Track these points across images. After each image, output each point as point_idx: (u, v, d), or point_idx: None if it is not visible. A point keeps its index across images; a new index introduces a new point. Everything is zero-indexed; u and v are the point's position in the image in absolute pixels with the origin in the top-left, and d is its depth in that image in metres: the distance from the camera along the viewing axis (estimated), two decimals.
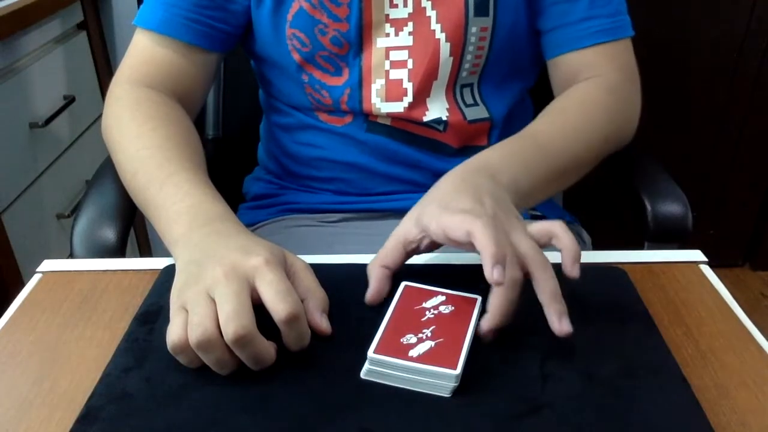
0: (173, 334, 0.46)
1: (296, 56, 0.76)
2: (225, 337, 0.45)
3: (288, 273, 0.50)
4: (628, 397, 0.46)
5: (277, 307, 0.46)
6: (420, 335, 0.48)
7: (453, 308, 0.50)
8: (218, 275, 0.47)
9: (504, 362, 0.48)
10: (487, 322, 0.49)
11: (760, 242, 1.93)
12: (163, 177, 0.61)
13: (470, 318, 0.49)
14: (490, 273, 0.47)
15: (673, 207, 0.73)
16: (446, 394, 0.45)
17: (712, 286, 0.58)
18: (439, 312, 0.50)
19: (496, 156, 0.62)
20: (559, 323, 0.48)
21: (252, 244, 0.51)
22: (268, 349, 0.46)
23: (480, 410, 0.44)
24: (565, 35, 0.75)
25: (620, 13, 0.75)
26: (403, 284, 0.53)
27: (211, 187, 0.61)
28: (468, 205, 0.52)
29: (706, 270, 0.61)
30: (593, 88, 0.73)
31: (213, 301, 0.46)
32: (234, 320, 0.44)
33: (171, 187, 0.60)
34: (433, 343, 0.47)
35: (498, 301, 0.48)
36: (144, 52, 0.74)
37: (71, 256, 0.66)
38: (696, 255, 0.62)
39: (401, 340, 0.48)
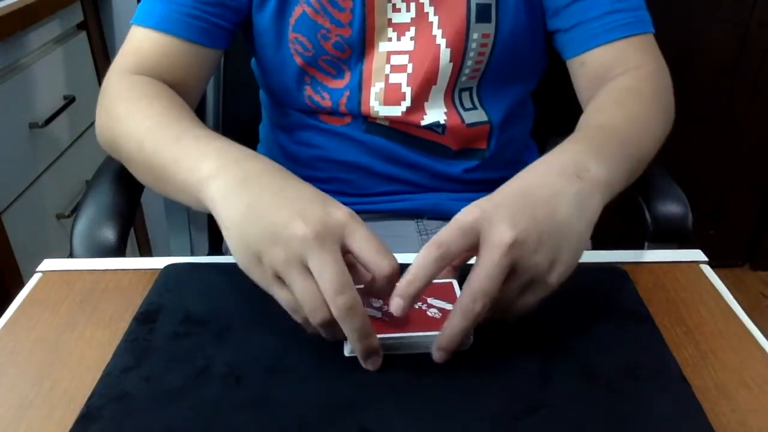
0: (295, 313, 0.46)
1: (298, 60, 0.76)
2: (333, 311, 0.44)
3: None
4: (628, 397, 0.46)
5: (382, 263, 0.45)
6: (383, 307, 0.50)
7: (437, 317, 0.50)
8: (308, 237, 0.44)
9: (504, 362, 0.48)
10: (436, 341, 0.47)
11: (760, 242, 1.93)
12: (176, 134, 0.58)
13: (421, 330, 0.49)
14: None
15: (673, 207, 0.73)
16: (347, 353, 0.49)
17: (712, 286, 0.58)
18: (423, 309, 0.50)
19: (583, 150, 0.56)
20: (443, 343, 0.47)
21: (322, 195, 0.48)
22: (369, 322, 0.45)
23: (480, 410, 0.44)
24: (591, 30, 0.72)
25: (641, 8, 0.73)
26: (455, 282, 0.53)
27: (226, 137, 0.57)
28: (508, 223, 0.46)
29: (707, 270, 0.60)
30: (639, 81, 0.70)
31: (308, 270, 0.44)
32: (341, 294, 0.43)
33: (188, 140, 0.56)
34: (377, 315, 0.49)
35: (446, 324, 0.47)
36: (140, 47, 0.72)
37: (71, 256, 0.66)
38: (696, 255, 0.62)
39: (371, 298, 0.50)
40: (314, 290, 0.44)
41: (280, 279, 0.46)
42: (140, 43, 0.72)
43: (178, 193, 0.57)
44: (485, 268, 0.45)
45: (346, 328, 0.45)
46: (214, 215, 0.51)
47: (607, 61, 0.72)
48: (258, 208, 0.47)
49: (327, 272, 0.44)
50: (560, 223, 0.48)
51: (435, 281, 0.52)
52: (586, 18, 0.72)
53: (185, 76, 0.73)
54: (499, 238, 0.45)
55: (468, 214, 0.47)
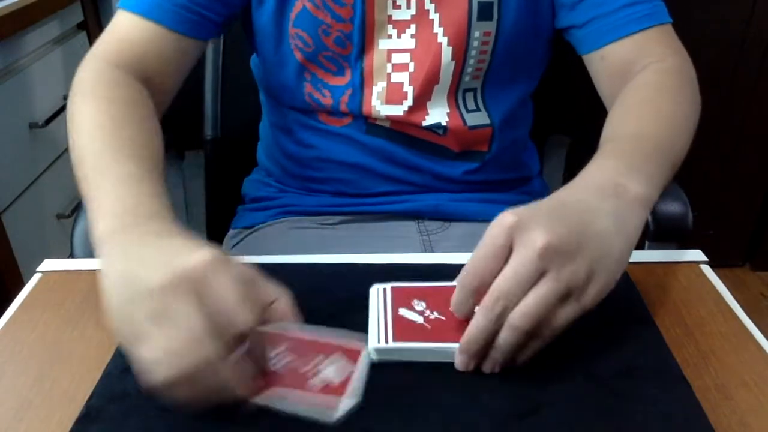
0: (159, 372, 0.41)
1: (299, 55, 0.76)
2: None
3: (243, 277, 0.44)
4: (628, 397, 0.46)
5: (237, 319, 0.42)
6: (426, 312, 0.49)
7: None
8: (163, 286, 0.41)
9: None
10: (458, 348, 0.47)
11: (760, 242, 1.93)
12: (100, 168, 0.55)
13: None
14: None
15: (673, 206, 0.73)
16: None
17: (712, 286, 0.58)
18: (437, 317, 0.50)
19: (618, 166, 0.54)
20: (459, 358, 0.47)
21: (191, 244, 0.45)
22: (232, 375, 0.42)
23: (480, 410, 0.44)
24: (609, 24, 0.71)
25: None
26: None
27: (152, 182, 0.54)
28: (541, 234, 0.45)
29: (707, 270, 0.60)
30: (663, 75, 0.69)
31: (169, 319, 0.41)
32: (188, 350, 0.40)
33: (104, 181, 0.54)
34: (419, 320, 0.49)
35: (469, 326, 0.45)
36: (123, 32, 0.70)
37: (71, 256, 0.66)
38: (696, 255, 0.62)
39: (414, 299, 0.50)
40: (178, 333, 0.41)
41: (138, 340, 0.42)
42: (126, 28, 0.70)
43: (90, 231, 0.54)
44: (513, 269, 0.44)
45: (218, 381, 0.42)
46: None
47: (629, 54, 0.71)
48: (128, 272, 0.44)
49: (181, 323, 0.41)
50: (598, 237, 0.47)
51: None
52: (603, 12, 0.71)
53: (165, 67, 0.71)
54: (532, 240, 0.44)
55: (502, 226, 0.45)
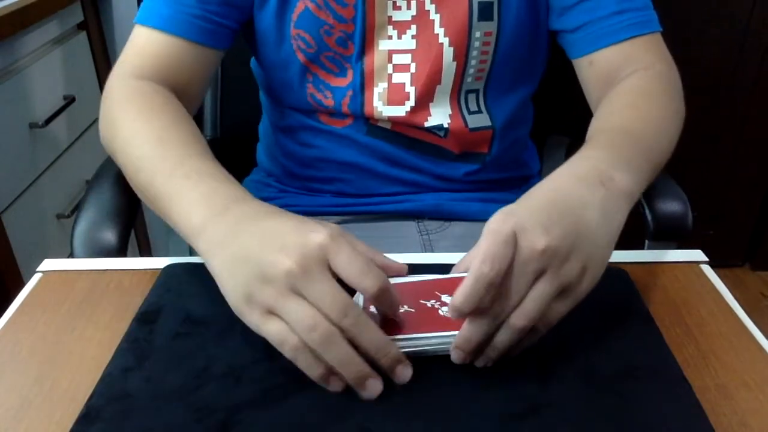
0: (285, 342, 0.44)
1: (301, 56, 0.76)
2: (346, 334, 0.43)
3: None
4: (628, 397, 0.46)
5: (365, 284, 0.44)
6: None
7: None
8: (293, 270, 0.44)
9: (504, 362, 0.48)
10: (454, 343, 0.47)
11: (760, 242, 1.93)
12: (168, 168, 0.58)
13: (435, 330, 0.48)
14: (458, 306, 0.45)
15: (673, 205, 0.73)
16: None
17: (712, 286, 0.58)
18: (436, 308, 0.49)
19: (605, 157, 0.56)
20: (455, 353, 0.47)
21: (303, 222, 0.48)
22: (382, 335, 0.45)
23: (480, 410, 0.44)
24: (599, 30, 0.72)
25: (648, 7, 0.73)
26: None
27: (221, 170, 0.58)
28: (540, 234, 0.45)
29: (707, 270, 0.61)
30: (649, 81, 0.70)
31: (302, 296, 0.44)
32: (345, 315, 0.43)
33: (179, 178, 0.56)
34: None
35: (468, 324, 0.46)
36: (143, 47, 0.71)
37: (71, 257, 0.66)
38: (697, 255, 0.62)
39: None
40: (309, 311, 0.43)
41: (270, 314, 0.45)
42: (144, 43, 0.72)
43: (173, 227, 0.57)
44: (514, 271, 0.45)
45: (361, 345, 0.44)
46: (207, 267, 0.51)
47: (616, 60, 0.72)
48: (242, 255, 0.47)
49: (325, 298, 0.43)
50: (589, 232, 0.48)
51: (452, 276, 0.51)
52: (593, 18, 0.72)
53: (189, 78, 0.73)
54: (532, 243, 0.45)
55: (504, 222, 0.45)
